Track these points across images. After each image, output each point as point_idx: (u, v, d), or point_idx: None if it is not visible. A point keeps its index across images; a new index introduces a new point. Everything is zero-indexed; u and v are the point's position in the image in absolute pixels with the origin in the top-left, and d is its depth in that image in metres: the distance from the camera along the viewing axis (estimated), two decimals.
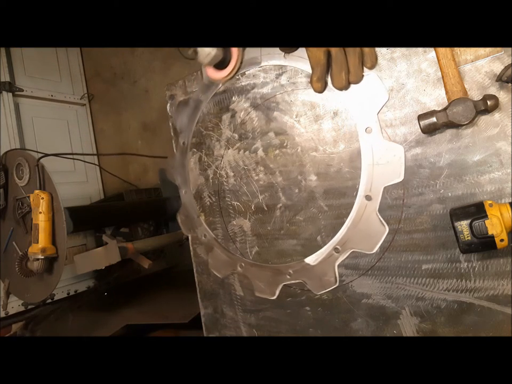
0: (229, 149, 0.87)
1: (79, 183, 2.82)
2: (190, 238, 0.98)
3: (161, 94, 2.25)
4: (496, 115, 0.58)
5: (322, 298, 0.76)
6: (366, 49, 0.65)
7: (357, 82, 0.68)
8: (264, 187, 0.83)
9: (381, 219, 0.67)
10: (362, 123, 0.69)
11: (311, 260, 0.76)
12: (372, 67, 0.67)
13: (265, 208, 0.82)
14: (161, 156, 2.16)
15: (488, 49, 0.58)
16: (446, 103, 0.60)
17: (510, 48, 0.56)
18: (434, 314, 0.64)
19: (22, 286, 1.46)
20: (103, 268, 1.74)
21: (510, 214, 0.54)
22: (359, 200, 0.69)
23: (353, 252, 0.71)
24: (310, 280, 0.76)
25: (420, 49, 0.63)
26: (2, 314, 1.95)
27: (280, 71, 0.78)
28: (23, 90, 2.60)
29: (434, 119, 0.60)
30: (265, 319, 0.85)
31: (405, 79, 0.65)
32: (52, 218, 1.33)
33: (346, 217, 0.71)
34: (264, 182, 0.82)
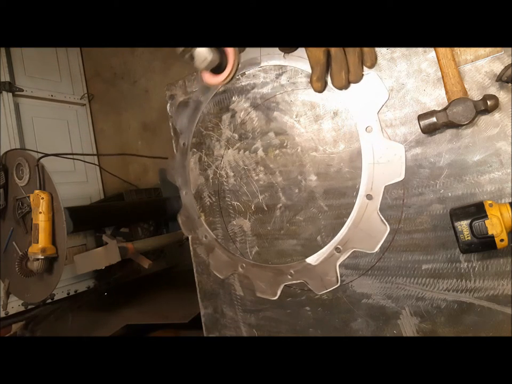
0: (229, 149, 0.87)
1: (79, 183, 2.82)
2: (190, 238, 0.98)
3: (161, 94, 2.25)
4: (496, 115, 0.58)
5: (322, 298, 0.76)
6: (366, 49, 0.65)
7: (356, 81, 0.68)
8: (264, 187, 0.83)
9: (382, 218, 0.67)
10: (363, 122, 0.69)
11: (312, 259, 0.76)
12: (371, 66, 0.67)
13: (265, 208, 0.82)
14: (161, 157, 2.16)
15: (488, 49, 0.58)
16: (446, 103, 0.60)
17: (510, 48, 0.56)
18: (434, 314, 0.64)
19: (22, 286, 1.46)
20: (103, 267, 1.74)
21: (510, 214, 0.54)
22: (360, 199, 0.69)
23: (354, 251, 0.71)
24: (311, 280, 0.76)
25: (420, 49, 0.63)
26: (2, 314, 1.95)
27: (280, 71, 0.78)
28: (23, 90, 2.60)
29: (434, 119, 0.60)
30: (265, 319, 0.85)
31: (405, 79, 0.65)
32: (52, 218, 1.33)
33: (347, 217, 0.71)
34: (264, 182, 0.82)
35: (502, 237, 0.54)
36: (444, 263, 0.63)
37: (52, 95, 2.81)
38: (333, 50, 0.64)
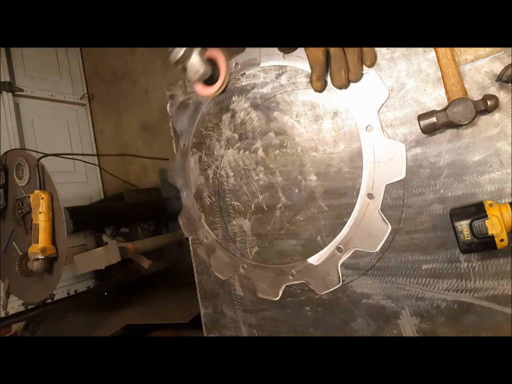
0: (229, 149, 0.87)
1: (79, 183, 2.81)
2: (190, 238, 0.98)
3: (161, 94, 2.25)
4: (496, 115, 0.58)
5: (322, 298, 0.76)
6: (365, 48, 0.65)
7: (356, 80, 0.68)
8: (264, 187, 0.83)
9: (383, 217, 0.67)
10: (363, 121, 0.69)
11: (313, 259, 0.76)
12: (371, 65, 0.67)
13: (265, 208, 0.82)
14: (162, 158, 2.15)
15: (488, 49, 0.58)
16: (446, 103, 0.60)
17: (510, 48, 0.56)
18: (434, 314, 0.64)
19: (22, 286, 1.45)
20: (103, 267, 1.74)
21: (510, 214, 0.54)
22: (361, 198, 0.69)
23: (355, 251, 0.71)
24: (313, 280, 0.76)
25: (420, 49, 0.63)
26: (2, 314, 1.95)
27: (280, 71, 0.78)
28: (23, 90, 2.60)
29: (434, 119, 0.60)
30: (265, 319, 0.85)
31: (405, 79, 0.65)
32: (52, 218, 1.33)
33: (347, 217, 0.71)
34: (264, 182, 0.82)
35: (502, 237, 0.54)
36: (443, 263, 0.63)
37: (51, 95, 2.81)
38: (332, 49, 0.64)
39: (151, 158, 2.35)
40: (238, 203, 0.87)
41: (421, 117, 0.61)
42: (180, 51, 0.73)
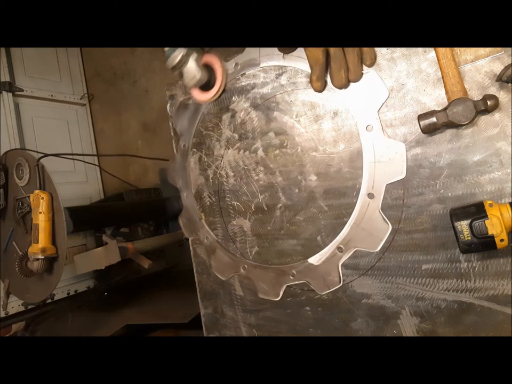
0: (229, 149, 0.87)
1: (79, 183, 2.81)
2: (190, 239, 0.98)
3: (161, 94, 2.25)
4: (496, 115, 0.58)
5: (322, 298, 0.76)
6: (365, 47, 0.65)
7: (356, 80, 0.68)
8: (264, 187, 0.83)
9: (384, 217, 0.67)
10: (363, 121, 0.69)
11: (314, 259, 0.76)
12: (371, 65, 0.67)
13: (265, 208, 0.82)
14: (162, 158, 2.15)
15: (488, 49, 0.58)
16: (446, 103, 0.60)
17: (510, 48, 0.56)
18: (434, 314, 0.64)
19: (22, 286, 1.45)
20: (103, 267, 1.74)
21: (510, 214, 0.54)
22: (361, 198, 0.69)
23: (355, 251, 0.71)
24: (313, 280, 0.76)
25: (420, 49, 0.63)
26: (2, 314, 1.95)
27: (280, 71, 0.78)
28: (23, 90, 2.60)
29: (434, 119, 0.60)
30: (265, 319, 0.85)
31: (405, 79, 0.65)
32: (52, 218, 1.33)
33: (347, 217, 0.71)
34: (264, 182, 0.82)
35: (502, 237, 0.54)
36: (444, 263, 0.63)
37: (51, 95, 2.81)
38: (332, 49, 0.64)
39: (151, 159, 2.35)
40: (238, 203, 0.87)
41: (421, 117, 0.61)
42: (177, 57, 0.74)
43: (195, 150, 0.94)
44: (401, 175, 0.65)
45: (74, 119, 2.95)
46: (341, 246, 0.72)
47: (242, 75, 0.84)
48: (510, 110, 0.57)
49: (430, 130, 0.61)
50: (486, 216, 0.55)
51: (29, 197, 1.37)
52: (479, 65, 0.59)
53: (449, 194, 0.62)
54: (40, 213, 1.30)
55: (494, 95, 0.56)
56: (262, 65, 0.81)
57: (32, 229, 1.31)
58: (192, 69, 0.77)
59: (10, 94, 2.51)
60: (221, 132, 0.89)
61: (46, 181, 1.38)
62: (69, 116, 2.93)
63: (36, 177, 1.37)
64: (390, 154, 0.66)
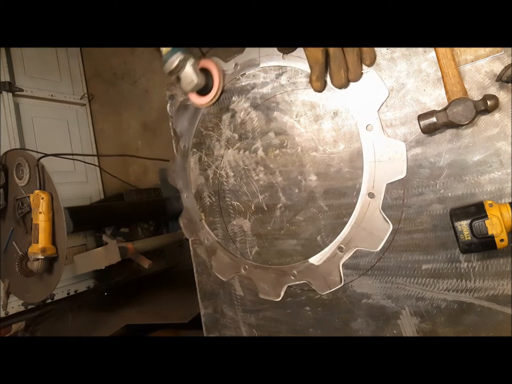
0: (229, 149, 0.87)
1: (79, 183, 2.81)
2: (190, 239, 0.98)
3: (161, 94, 2.25)
4: (496, 115, 0.58)
5: (322, 298, 0.76)
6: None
7: (356, 80, 0.68)
8: (264, 187, 0.83)
9: (385, 216, 0.67)
10: (363, 121, 0.69)
11: (315, 260, 0.76)
12: (370, 64, 0.67)
13: (265, 208, 0.82)
14: (161, 159, 2.16)
15: (488, 49, 0.58)
16: (446, 103, 0.60)
17: (510, 48, 0.56)
18: (434, 314, 0.64)
19: (22, 286, 1.45)
20: (103, 267, 1.74)
21: (510, 214, 0.54)
22: (362, 198, 0.69)
23: (356, 251, 0.71)
24: (314, 280, 0.76)
25: (420, 49, 0.63)
26: (2, 314, 1.95)
27: (280, 71, 0.78)
28: (23, 90, 2.60)
29: (434, 119, 0.60)
30: (265, 319, 0.85)
31: (405, 79, 0.65)
32: (52, 218, 1.33)
33: (347, 217, 0.71)
34: (264, 182, 0.82)
35: (502, 237, 0.54)
36: (444, 263, 0.63)
37: (52, 95, 2.81)
38: (332, 49, 0.64)
39: (150, 159, 2.35)
40: (238, 203, 0.87)
41: (421, 117, 0.61)
42: (174, 62, 0.75)
43: (195, 150, 0.94)
44: (402, 174, 0.65)
45: (74, 119, 2.96)
46: (342, 246, 0.72)
47: (242, 75, 0.84)
48: (510, 110, 0.57)
49: (430, 130, 0.61)
50: (486, 216, 0.55)
51: (29, 197, 1.37)
52: (479, 65, 0.59)
53: (449, 194, 0.62)
54: (40, 213, 1.30)
55: (494, 95, 0.56)
56: (261, 65, 0.81)
57: (32, 229, 1.31)
58: (189, 73, 0.78)
59: (10, 94, 2.51)
60: (221, 131, 0.89)
61: (46, 181, 1.38)
62: (69, 116, 2.93)
63: (36, 177, 1.37)
64: (390, 154, 0.66)
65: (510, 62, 0.56)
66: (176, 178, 0.99)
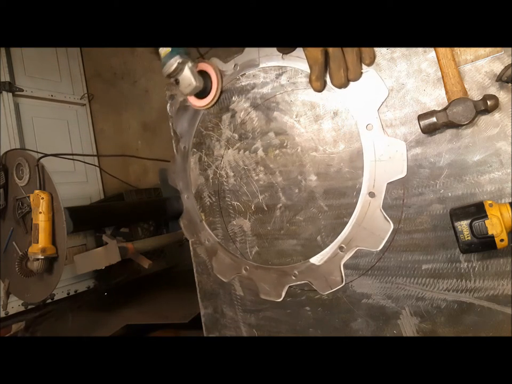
0: (229, 149, 0.87)
1: (79, 183, 2.81)
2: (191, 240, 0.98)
3: (161, 94, 2.25)
4: (496, 115, 0.58)
5: (322, 298, 0.76)
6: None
7: (356, 79, 0.68)
8: (264, 187, 0.83)
9: (385, 215, 0.67)
10: (363, 120, 0.69)
11: (316, 259, 0.76)
12: (370, 64, 0.67)
13: (265, 208, 0.82)
14: (161, 159, 2.16)
15: (488, 49, 0.58)
16: (446, 103, 0.60)
17: (510, 48, 0.56)
18: (434, 314, 0.64)
19: (22, 286, 1.45)
20: (103, 267, 1.74)
21: (510, 214, 0.54)
22: (362, 197, 0.69)
23: (357, 250, 0.71)
24: (315, 280, 0.76)
25: (420, 49, 0.63)
26: (2, 314, 1.95)
27: (280, 71, 0.78)
28: (23, 90, 2.60)
29: (434, 119, 0.60)
30: (265, 319, 0.85)
31: (405, 79, 0.65)
32: (52, 218, 1.33)
33: (347, 217, 0.71)
34: (264, 182, 0.82)
35: (502, 237, 0.54)
36: (444, 263, 0.63)
37: (51, 95, 2.81)
38: (331, 49, 0.64)
39: (150, 159, 2.35)
40: (238, 203, 0.87)
41: (421, 117, 0.61)
42: (172, 65, 0.75)
43: (195, 150, 0.94)
44: (402, 173, 0.65)
45: (74, 119, 2.95)
46: (343, 246, 0.72)
47: (242, 75, 0.84)
48: (510, 110, 0.57)
49: (430, 130, 0.61)
50: (486, 216, 0.54)
51: (29, 197, 1.37)
52: (479, 65, 0.59)
53: (449, 194, 0.62)
54: (40, 213, 1.30)
55: (494, 95, 0.56)
56: (261, 66, 0.81)
57: (32, 229, 1.31)
58: (187, 76, 0.79)
59: (10, 94, 2.51)
60: (221, 131, 0.89)
61: (46, 181, 1.38)
62: (69, 116, 2.93)
63: (36, 177, 1.37)
64: (390, 153, 0.66)
65: (510, 62, 0.56)
66: (176, 179, 0.99)
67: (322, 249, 0.75)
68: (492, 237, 0.54)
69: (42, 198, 1.30)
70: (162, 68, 0.78)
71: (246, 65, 0.83)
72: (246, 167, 0.85)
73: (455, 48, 0.60)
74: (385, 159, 0.67)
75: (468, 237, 0.56)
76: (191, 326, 1.49)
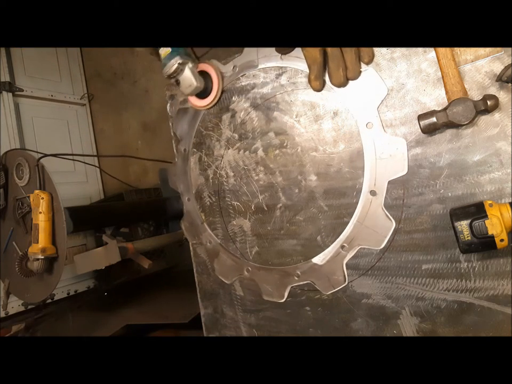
0: (229, 149, 0.87)
1: (79, 183, 2.82)
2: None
3: (161, 94, 2.25)
4: (496, 115, 0.58)
5: (322, 298, 0.76)
6: None
7: (355, 78, 0.68)
8: (264, 187, 0.83)
9: (387, 214, 0.67)
10: (363, 119, 0.69)
11: (318, 259, 0.75)
12: (369, 62, 0.67)
13: (265, 208, 0.82)
14: (161, 160, 2.16)
15: (488, 49, 0.58)
16: (446, 103, 0.60)
17: (510, 48, 0.56)
18: (434, 314, 0.64)
19: (22, 286, 1.45)
20: (103, 267, 1.74)
21: (510, 214, 0.54)
22: (363, 196, 0.69)
23: (358, 250, 0.71)
24: (318, 280, 0.76)
25: (420, 49, 0.63)
26: (2, 314, 1.95)
27: (280, 71, 0.78)
28: (23, 90, 2.60)
29: (434, 119, 0.60)
30: (265, 319, 0.85)
31: (405, 79, 0.65)
32: (52, 218, 1.33)
33: (347, 217, 0.71)
34: (264, 182, 0.82)
35: (502, 237, 0.54)
36: (444, 263, 0.63)
37: (52, 95, 2.81)
38: (329, 48, 0.64)
39: (150, 160, 2.35)
40: (238, 203, 0.87)
41: (421, 117, 0.61)
42: (173, 65, 0.75)
43: (195, 150, 0.94)
44: (403, 171, 0.65)
45: (74, 119, 2.96)
46: (345, 245, 0.72)
47: (242, 76, 0.84)
48: (510, 110, 0.57)
49: (430, 130, 0.61)
50: (486, 216, 0.55)
51: (29, 197, 1.37)
52: (479, 65, 0.59)
53: (449, 194, 0.62)
54: (40, 213, 1.30)
55: (494, 95, 0.56)
56: (260, 66, 0.81)
57: (32, 229, 1.31)
58: (188, 77, 0.79)
59: (10, 94, 2.51)
60: (221, 131, 0.89)
61: (46, 181, 1.38)
62: (69, 116, 2.93)
63: (36, 177, 1.37)
64: (390, 151, 0.66)
65: (510, 62, 0.56)
66: (177, 181, 0.99)
67: (323, 249, 0.75)
68: (492, 237, 0.54)
69: (42, 198, 1.31)
70: (162, 69, 0.78)
71: (245, 67, 0.83)
72: (246, 167, 0.85)
73: (455, 48, 0.60)
74: (386, 157, 0.67)
75: (468, 237, 0.56)
76: (191, 326, 1.49)
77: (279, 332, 0.83)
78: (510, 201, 0.57)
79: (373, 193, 0.68)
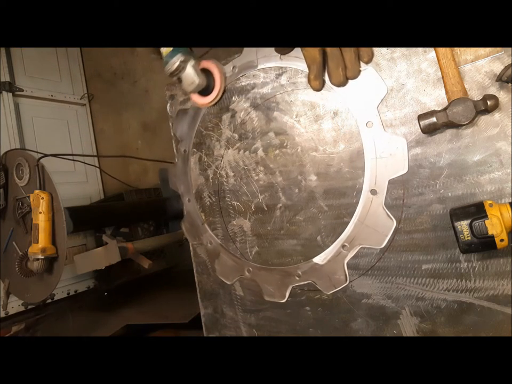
0: (229, 149, 0.87)
1: (79, 183, 2.82)
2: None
3: (161, 94, 2.25)
4: (496, 115, 0.58)
5: (322, 298, 0.76)
6: None
7: (354, 77, 0.68)
8: (264, 187, 0.83)
9: (388, 213, 0.67)
10: (363, 118, 0.69)
11: (319, 259, 0.75)
12: (368, 61, 0.67)
13: (265, 208, 0.82)
14: (161, 160, 2.16)
15: (488, 49, 0.58)
16: (446, 103, 0.60)
17: (510, 48, 0.56)
18: (434, 314, 0.64)
19: (22, 286, 1.46)
20: (103, 267, 1.74)
21: (510, 214, 0.54)
22: (364, 195, 0.69)
23: (358, 250, 0.71)
24: (319, 280, 0.76)
25: (420, 49, 0.63)
26: (2, 314, 1.95)
27: (280, 71, 0.78)
28: (23, 90, 2.60)
29: (434, 119, 0.60)
30: (265, 319, 0.85)
31: (405, 79, 0.65)
32: (52, 218, 1.33)
33: (347, 217, 0.71)
34: (264, 182, 0.82)
35: (502, 237, 0.54)
36: (444, 263, 0.63)
37: (52, 95, 2.81)
38: (329, 48, 0.64)
39: (150, 160, 2.35)
40: (238, 203, 0.87)
41: (421, 117, 0.61)
42: (175, 63, 0.75)
43: (195, 150, 0.94)
44: (403, 169, 0.65)
45: (74, 119, 2.96)
46: (346, 244, 0.72)
47: (242, 76, 0.84)
48: (510, 110, 0.57)
49: (430, 130, 0.61)
50: (486, 216, 0.55)
51: (29, 197, 1.37)
52: (479, 65, 0.59)
53: (449, 194, 0.62)
54: (40, 213, 1.30)
55: (494, 95, 0.56)
56: (259, 67, 0.81)
57: (32, 229, 1.31)
58: (190, 74, 0.78)
59: (10, 94, 2.51)
60: (221, 131, 0.89)
61: (46, 181, 1.38)
62: (69, 116, 2.93)
63: (36, 177, 1.37)
64: (391, 150, 0.66)
65: (510, 62, 0.56)
66: (177, 182, 0.98)
67: (323, 249, 0.75)
68: (492, 237, 0.54)
69: (42, 198, 1.31)
70: (164, 67, 0.78)
71: (244, 67, 0.83)
72: (246, 167, 0.85)
73: (455, 48, 0.60)
74: (386, 156, 0.67)
75: (468, 237, 0.56)
76: (191, 326, 1.49)
77: (279, 332, 0.83)
78: (510, 201, 0.57)
79: (373, 192, 0.68)
